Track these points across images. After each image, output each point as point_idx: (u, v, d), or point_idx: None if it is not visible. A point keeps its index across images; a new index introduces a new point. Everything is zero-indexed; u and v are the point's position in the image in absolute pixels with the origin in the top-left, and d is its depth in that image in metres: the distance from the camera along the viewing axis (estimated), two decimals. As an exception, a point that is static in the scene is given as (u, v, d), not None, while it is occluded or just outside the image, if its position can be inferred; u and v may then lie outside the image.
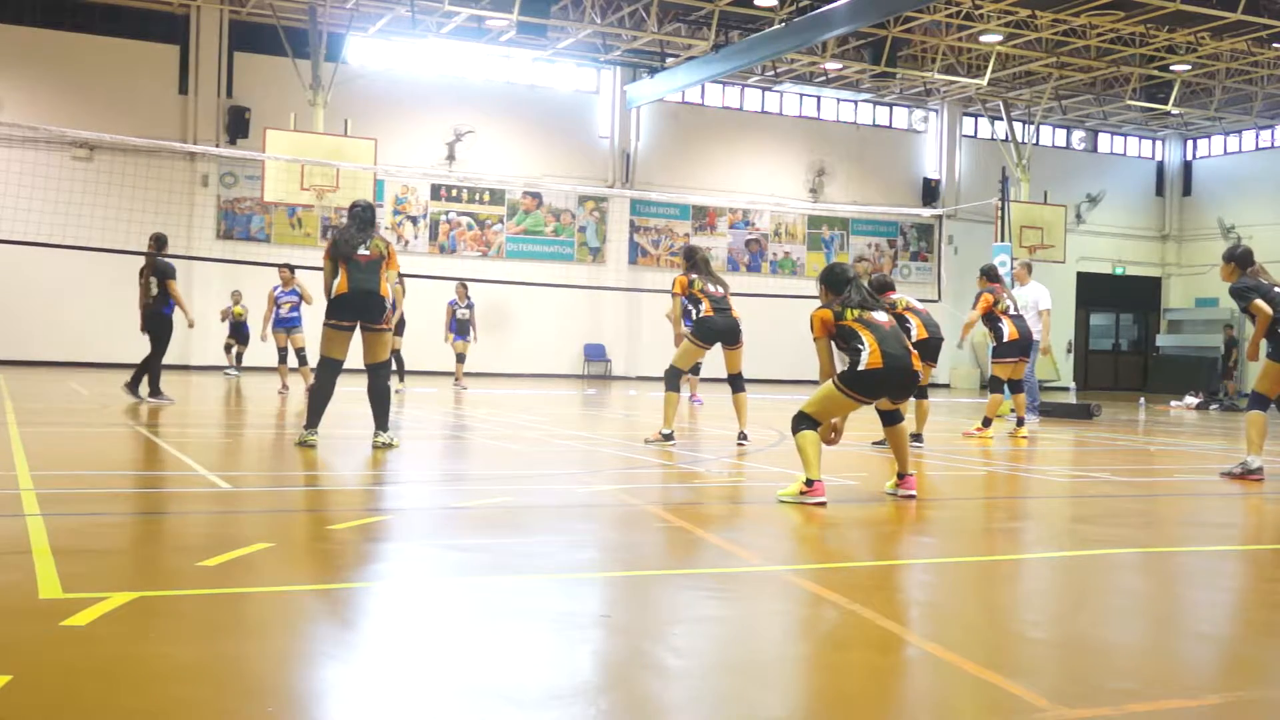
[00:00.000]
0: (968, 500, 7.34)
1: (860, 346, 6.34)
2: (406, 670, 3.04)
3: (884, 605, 4.01)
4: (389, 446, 8.34)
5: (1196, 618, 4.20)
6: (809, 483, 6.21)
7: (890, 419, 6.67)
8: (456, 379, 19.07)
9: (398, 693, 2.85)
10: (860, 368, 6.29)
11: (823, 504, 6.14)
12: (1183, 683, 3.27)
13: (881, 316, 6.52)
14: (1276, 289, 8.42)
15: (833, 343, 6.55)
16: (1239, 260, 8.59)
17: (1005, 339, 11.91)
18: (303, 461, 7.98)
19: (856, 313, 6.45)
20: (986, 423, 11.82)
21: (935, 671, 3.22)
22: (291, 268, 16.24)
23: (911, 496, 6.57)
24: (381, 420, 8.49)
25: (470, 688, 2.94)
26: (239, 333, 21.20)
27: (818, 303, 6.77)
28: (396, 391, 16.37)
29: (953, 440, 11.31)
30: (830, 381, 6.43)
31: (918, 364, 6.52)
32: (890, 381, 6.34)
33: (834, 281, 6.70)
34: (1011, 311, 11.99)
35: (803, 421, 6.39)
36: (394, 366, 16.04)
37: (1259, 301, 8.27)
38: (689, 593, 4.21)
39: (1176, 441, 12.62)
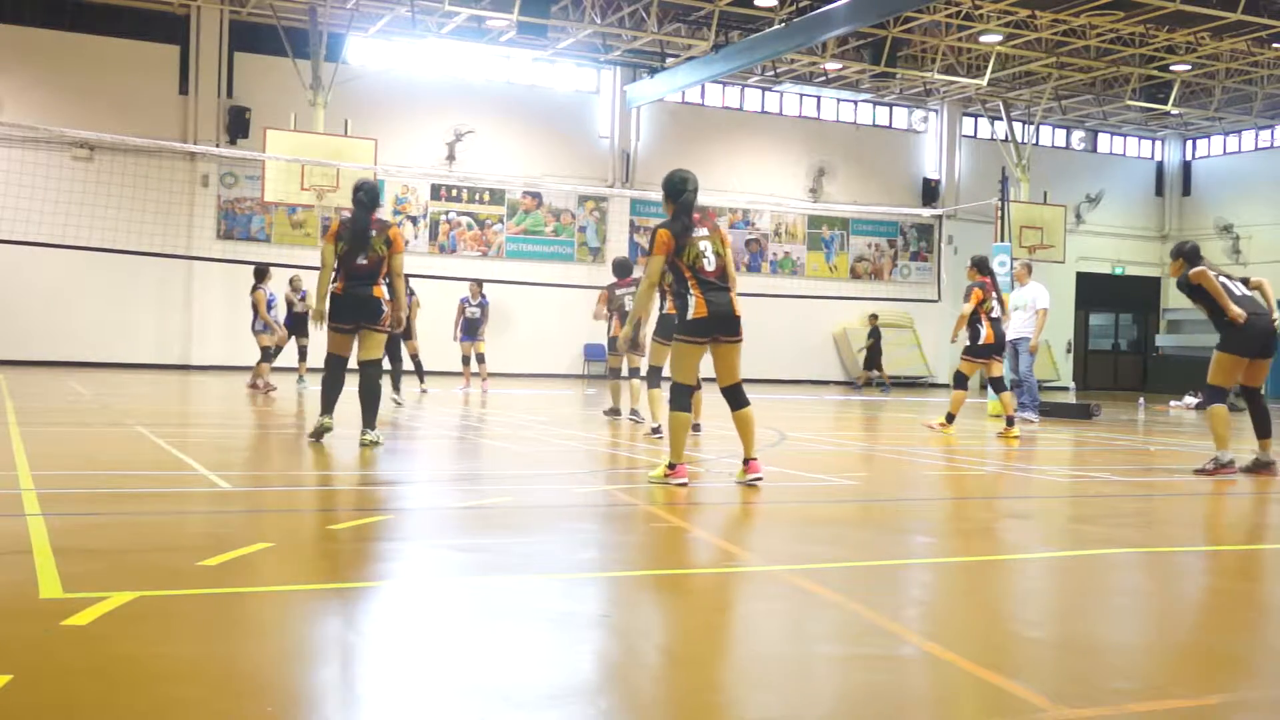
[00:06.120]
0: (968, 500, 7.34)
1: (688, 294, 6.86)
2: (406, 670, 3.04)
3: (884, 605, 4.01)
4: (375, 444, 8.36)
5: (1196, 618, 4.20)
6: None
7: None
8: (465, 382, 18.63)
9: (398, 693, 2.85)
10: (689, 316, 6.88)
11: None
12: (1183, 683, 3.27)
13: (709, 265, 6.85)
14: (1223, 278, 8.58)
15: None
16: (1187, 256, 8.66)
17: (981, 340, 11.81)
18: (303, 461, 7.99)
19: (696, 250, 6.82)
20: (950, 419, 11.79)
21: (935, 671, 3.22)
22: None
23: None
24: (368, 418, 8.54)
25: (470, 688, 2.94)
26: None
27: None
28: (424, 391, 16.42)
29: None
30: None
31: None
32: (713, 328, 6.88)
33: (672, 188, 6.94)
34: (994, 314, 11.88)
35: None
36: (414, 369, 16.11)
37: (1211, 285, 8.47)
38: (689, 593, 4.21)
39: (1176, 441, 12.62)
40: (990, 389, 12.09)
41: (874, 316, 26.90)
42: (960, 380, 12.00)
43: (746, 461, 6.93)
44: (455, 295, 19.16)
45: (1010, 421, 11.77)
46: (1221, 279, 8.52)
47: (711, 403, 10.86)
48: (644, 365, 12.78)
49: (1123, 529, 6.08)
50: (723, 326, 6.90)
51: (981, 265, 12.00)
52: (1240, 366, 8.45)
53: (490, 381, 19.27)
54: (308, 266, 15.52)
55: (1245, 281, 8.64)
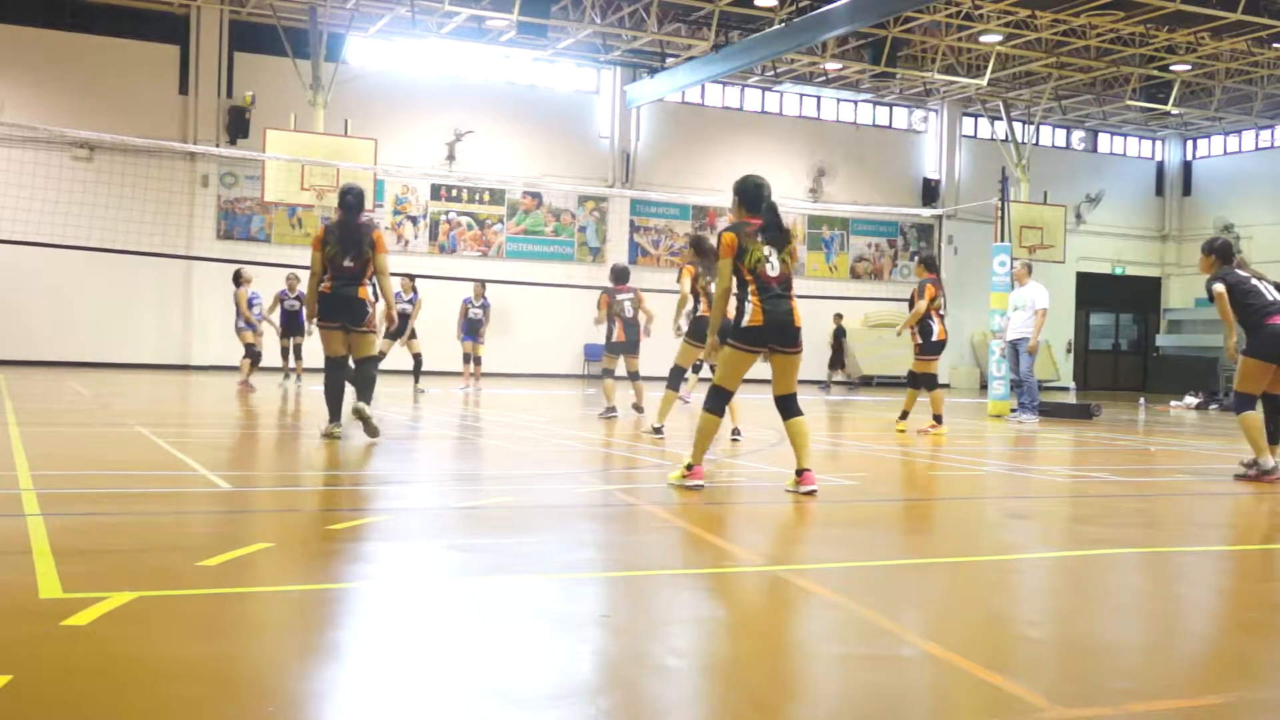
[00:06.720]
0: (967, 500, 7.33)
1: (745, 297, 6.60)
2: (406, 670, 3.04)
3: (884, 605, 4.01)
4: (364, 418, 8.54)
5: (1196, 618, 4.20)
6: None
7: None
8: (465, 381, 18.64)
9: (397, 693, 2.85)
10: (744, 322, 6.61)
11: None
12: (1183, 683, 3.27)
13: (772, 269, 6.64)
14: (1255, 280, 8.44)
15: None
16: (1219, 253, 8.55)
17: (934, 337, 11.94)
18: (302, 461, 7.99)
19: (759, 254, 6.56)
20: (938, 419, 11.84)
21: (935, 671, 3.22)
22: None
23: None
24: (365, 396, 8.74)
25: (470, 688, 2.94)
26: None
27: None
28: (422, 392, 16.50)
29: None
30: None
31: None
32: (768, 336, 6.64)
33: (749, 195, 6.69)
34: (942, 310, 12.07)
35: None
36: (413, 369, 16.18)
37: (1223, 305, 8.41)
38: (689, 593, 4.21)
39: (1176, 441, 12.62)
40: (909, 382, 12.23)
41: (839, 316, 26.97)
42: (930, 381, 12.07)
43: (800, 473, 6.60)
44: (455, 295, 19.21)
45: (904, 416, 12.00)
46: (1253, 281, 8.38)
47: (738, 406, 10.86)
48: (641, 367, 12.89)
49: (1123, 529, 6.08)
50: (780, 336, 6.64)
51: (929, 263, 12.21)
52: (1268, 372, 8.27)
53: (484, 381, 19.30)
54: (307, 266, 15.53)
55: (1278, 287, 8.56)
